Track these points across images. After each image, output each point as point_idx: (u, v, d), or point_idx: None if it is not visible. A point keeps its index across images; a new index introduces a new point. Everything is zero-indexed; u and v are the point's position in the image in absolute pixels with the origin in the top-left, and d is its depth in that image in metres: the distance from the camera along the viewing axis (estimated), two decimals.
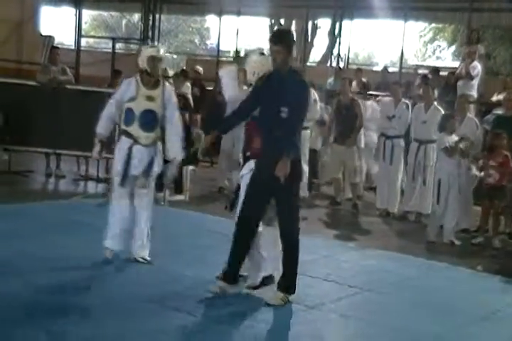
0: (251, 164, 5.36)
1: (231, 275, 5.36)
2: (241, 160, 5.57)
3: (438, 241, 8.17)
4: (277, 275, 5.34)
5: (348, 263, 6.76)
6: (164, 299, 5.15)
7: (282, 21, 23.01)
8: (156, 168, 5.98)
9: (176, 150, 6.04)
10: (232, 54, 18.93)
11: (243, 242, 5.31)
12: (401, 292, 5.98)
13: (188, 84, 12.82)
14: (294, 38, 5.53)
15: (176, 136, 6.03)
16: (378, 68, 16.84)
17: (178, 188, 9.61)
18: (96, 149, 5.96)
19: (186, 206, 9.12)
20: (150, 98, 5.88)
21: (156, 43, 6.27)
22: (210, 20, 27.51)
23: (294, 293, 5.29)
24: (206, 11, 21.88)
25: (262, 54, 5.51)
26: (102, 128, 5.97)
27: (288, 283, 5.27)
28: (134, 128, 5.83)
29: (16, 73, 12.44)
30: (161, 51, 6.08)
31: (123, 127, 5.95)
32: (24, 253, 5.96)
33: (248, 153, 5.45)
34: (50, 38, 13.53)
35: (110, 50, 17.12)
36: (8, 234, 6.39)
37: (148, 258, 6.02)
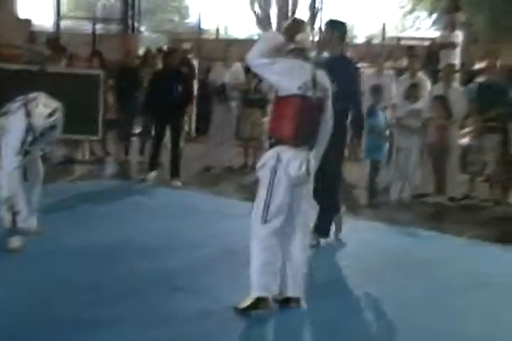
0: (272, 153, 4.46)
1: None
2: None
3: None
4: None
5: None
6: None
7: None
8: None
9: None
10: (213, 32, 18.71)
11: None
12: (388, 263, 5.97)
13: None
14: None
15: None
16: (359, 41, 16.80)
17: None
18: None
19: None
20: None
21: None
22: None
23: None
24: None
25: None
26: None
27: None
28: None
29: None
30: None
31: None
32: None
33: (272, 140, 4.57)
34: (29, 21, 13.40)
35: (90, 32, 16.97)
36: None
37: None
